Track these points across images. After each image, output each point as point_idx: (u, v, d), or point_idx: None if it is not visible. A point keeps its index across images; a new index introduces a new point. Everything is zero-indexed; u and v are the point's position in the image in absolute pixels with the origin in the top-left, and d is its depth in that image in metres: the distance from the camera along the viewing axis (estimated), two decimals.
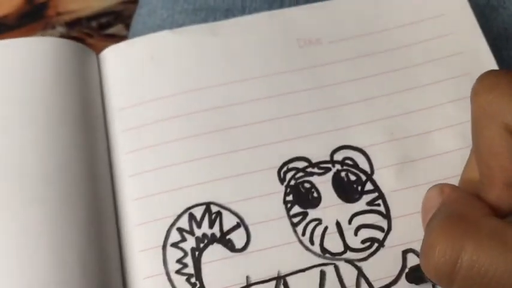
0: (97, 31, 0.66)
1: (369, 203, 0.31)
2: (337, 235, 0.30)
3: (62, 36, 0.63)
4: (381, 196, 0.31)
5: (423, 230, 0.27)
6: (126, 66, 0.35)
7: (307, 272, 0.29)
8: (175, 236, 0.30)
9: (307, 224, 0.30)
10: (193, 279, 0.29)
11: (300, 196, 0.31)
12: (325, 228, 0.30)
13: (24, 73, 0.33)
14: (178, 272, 0.29)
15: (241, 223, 0.30)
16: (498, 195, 0.23)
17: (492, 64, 0.34)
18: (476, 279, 0.21)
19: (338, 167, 0.32)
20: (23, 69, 0.33)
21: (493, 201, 0.23)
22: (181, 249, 0.30)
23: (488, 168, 0.23)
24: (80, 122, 0.33)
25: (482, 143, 0.23)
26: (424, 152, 0.32)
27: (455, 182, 0.29)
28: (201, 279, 0.29)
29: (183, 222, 0.30)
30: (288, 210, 0.31)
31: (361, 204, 0.31)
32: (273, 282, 0.29)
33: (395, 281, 0.29)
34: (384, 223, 0.30)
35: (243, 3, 0.39)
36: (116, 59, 0.35)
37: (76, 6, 0.68)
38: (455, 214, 0.23)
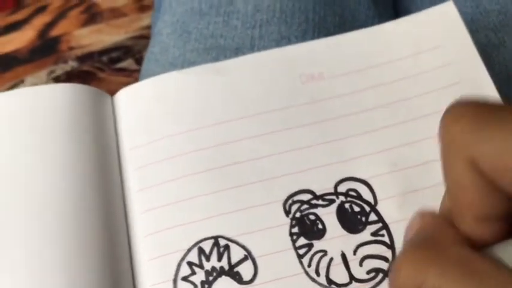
0: (108, 65, 0.68)
1: (373, 234, 0.31)
2: (342, 266, 0.31)
3: (73, 69, 0.65)
4: (385, 226, 0.32)
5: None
6: (136, 107, 0.36)
7: None
8: (185, 270, 0.31)
9: (312, 256, 0.31)
10: None
11: (305, 228, 0.32)
12: (331, 260, 0.31)
13: (44, 120, 0.35)
14: None
15: (248, 256, 0.31)
16: (468, 229, 0.22)
17: (493, 92, 0.35)
18: None
19: (342, 198, 0.33)
20: (42, 116, 0.35)
21: (465, 233, 0.22)
22: (192, 282, 0.31)
23: (457, 203, 0.22)
24: (95, 164, 0.34)
25: (449, 178, 0.22)
26: (426, 181, 0.33)
27: None
28: None
29: (193, 256, 0.31)
30: (294, 242, 0.31)
31: (365, 235, 0.31)
32: None
33: None
34: (388, 253, 0.31)
35: (252, 42, 0.40)
36: (128, 101, 0.37)
37: (88, 41, 0.70)
38: (426, 240, 0.22)
